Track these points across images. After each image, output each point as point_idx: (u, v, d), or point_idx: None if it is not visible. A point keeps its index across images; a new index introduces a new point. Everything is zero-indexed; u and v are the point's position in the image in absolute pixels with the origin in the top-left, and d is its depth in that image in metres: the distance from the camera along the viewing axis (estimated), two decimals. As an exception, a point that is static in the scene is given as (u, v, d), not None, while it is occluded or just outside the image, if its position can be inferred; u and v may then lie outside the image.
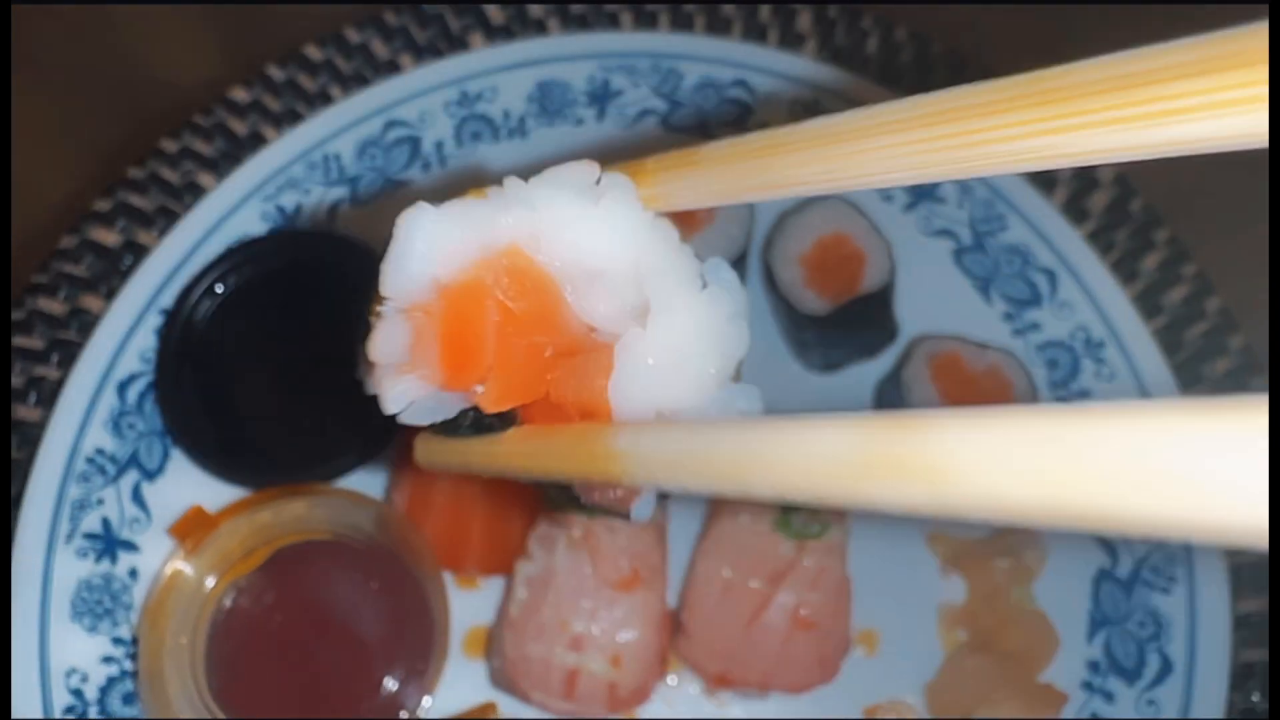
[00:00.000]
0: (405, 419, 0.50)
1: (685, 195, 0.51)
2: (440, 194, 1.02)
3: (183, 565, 0.84)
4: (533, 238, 0.48)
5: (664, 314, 0.47)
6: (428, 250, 0.48)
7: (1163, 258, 1.01)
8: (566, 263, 0.48)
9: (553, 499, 0.62)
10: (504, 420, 0.50)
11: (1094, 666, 0.88)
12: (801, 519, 0.83)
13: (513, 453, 0.50)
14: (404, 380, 0.49)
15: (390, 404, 0.50)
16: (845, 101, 1.05)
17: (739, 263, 0.94)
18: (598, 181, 0.50)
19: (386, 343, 0.49)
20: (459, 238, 0.48)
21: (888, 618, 0.90)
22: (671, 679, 0.87)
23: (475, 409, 0.50)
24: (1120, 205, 1.03)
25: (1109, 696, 0.87)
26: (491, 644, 0.86)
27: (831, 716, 0.87)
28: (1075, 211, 1.02)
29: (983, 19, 1.13)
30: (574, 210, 0.48)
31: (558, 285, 0.48)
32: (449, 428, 0.51)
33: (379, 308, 0.49)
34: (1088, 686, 0.88)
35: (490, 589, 0.91)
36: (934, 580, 0.92)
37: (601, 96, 1.05)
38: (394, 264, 0.48)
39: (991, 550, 0.91)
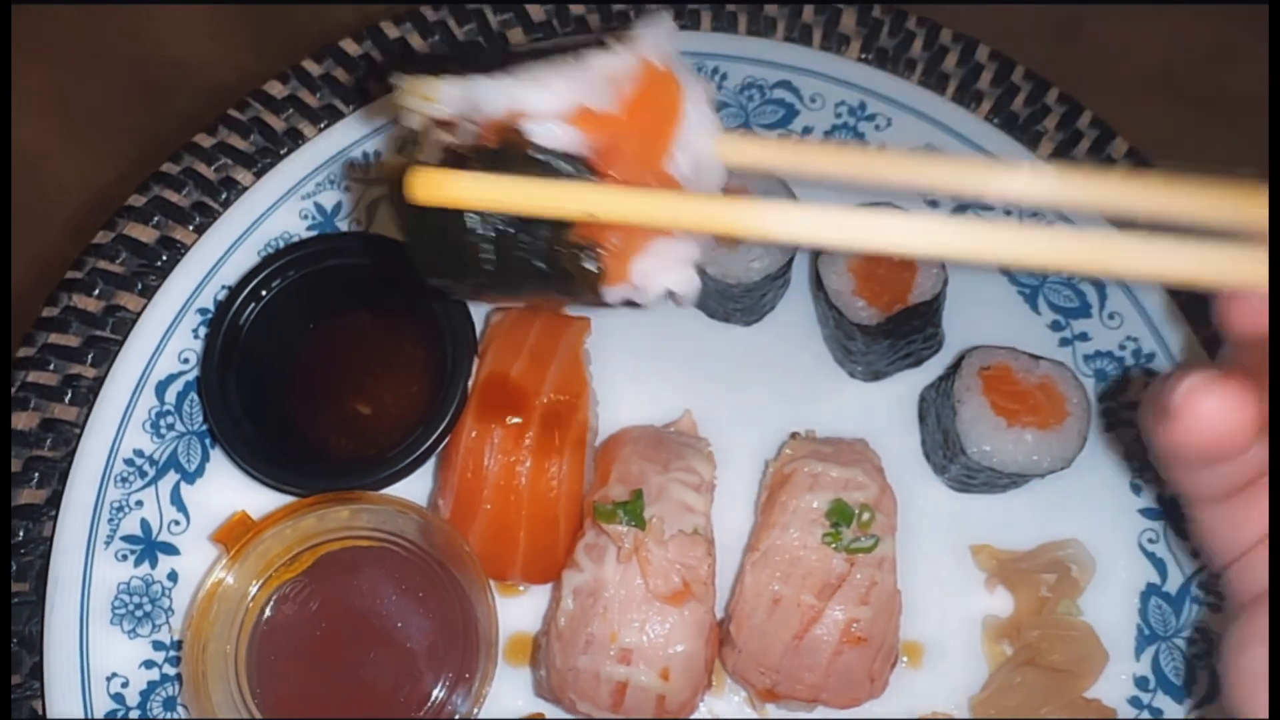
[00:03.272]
0: (539, 138, 0.64)
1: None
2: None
3: (226, 572, 0.83)
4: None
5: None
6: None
7: (1210, 268, 1.00)
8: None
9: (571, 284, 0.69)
10: (580, 166, 0.65)
11: (1142, 683, 0.88)
12: (852, 533, 0.82)
13: (578, 198, 0.63)
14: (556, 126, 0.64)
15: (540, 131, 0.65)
16: (890, 104, 1.04)
17: (785, 270, 0.93)
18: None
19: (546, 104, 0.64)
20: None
21: (932, 630, 0.90)
22: (717, 691, 0.87)
23: (581, 159, 0.65)
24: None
25: (1157, 713, 0.87)
26: (537, 654, 0.86)
27: (876, 729, 0.87)
28: (1122, 220, 1.01)
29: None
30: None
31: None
32: (551, 156, 0.64)
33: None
34: (1136, 703, 0.87)
35: (533, 596, 0.90)
36: (979, 593, 0.91)
37: (644, 96, 1.03)
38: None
39: (1038, 563, 0.90)
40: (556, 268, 0.67)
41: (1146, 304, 0.97)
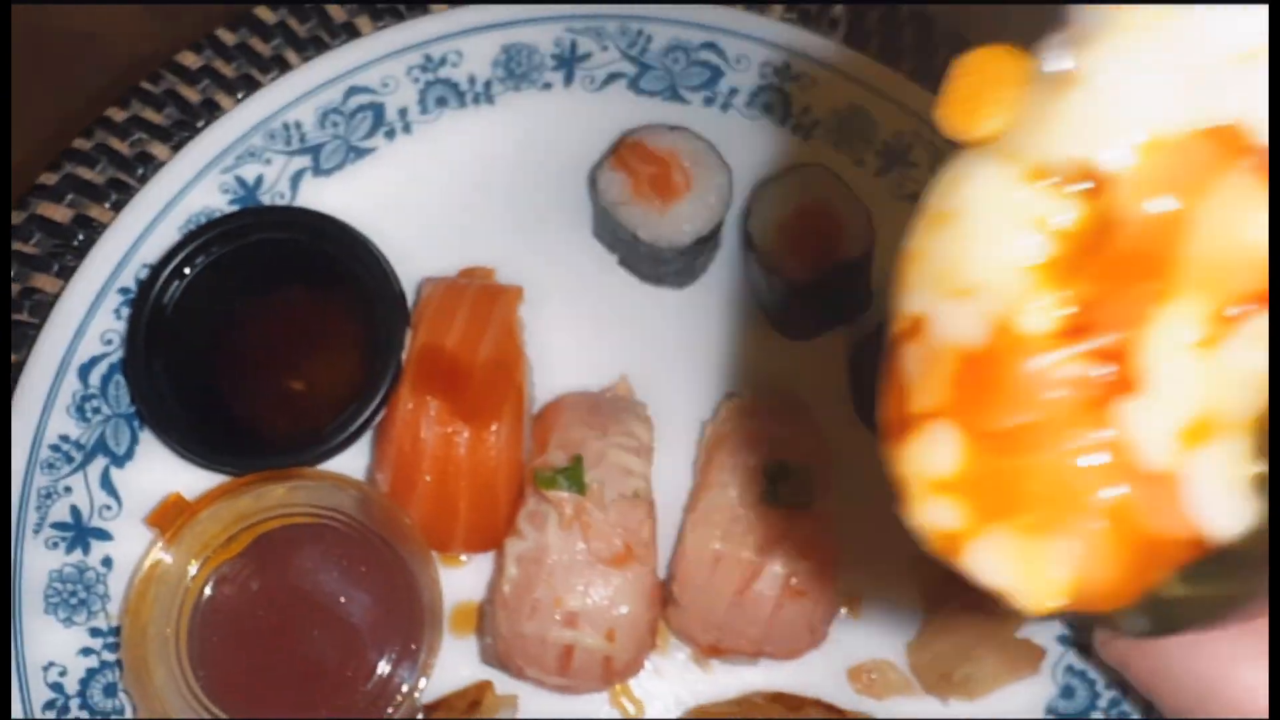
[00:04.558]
0: None
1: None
2: (407, 163, 1.00)
3: (163, 554, 0.83)
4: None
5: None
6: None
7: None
8: None
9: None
10: None
11: (1070, 620, 0.91)
12: (790, 489, 0.84)
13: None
14: None
15: None
16: (815, 64, 1.04)
17: (715, 232, 0.93)
18: None
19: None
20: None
21: (870, 581, 0.92)
22: (662, 650, 0.88)
23: None
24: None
25: (1084, 650, 0.90)
26: (483, 622, 0.86)
27: (818, 679, 0.89)
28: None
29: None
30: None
31: None
32: None
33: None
34: (1064, 640, 0.91)
35: (476, 564, 0.91)
36: (914, 543, 0.93)
37: (569, 60, 1.02)
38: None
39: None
40: None
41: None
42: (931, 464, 0.41)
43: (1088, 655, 0.91)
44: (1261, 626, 0.52)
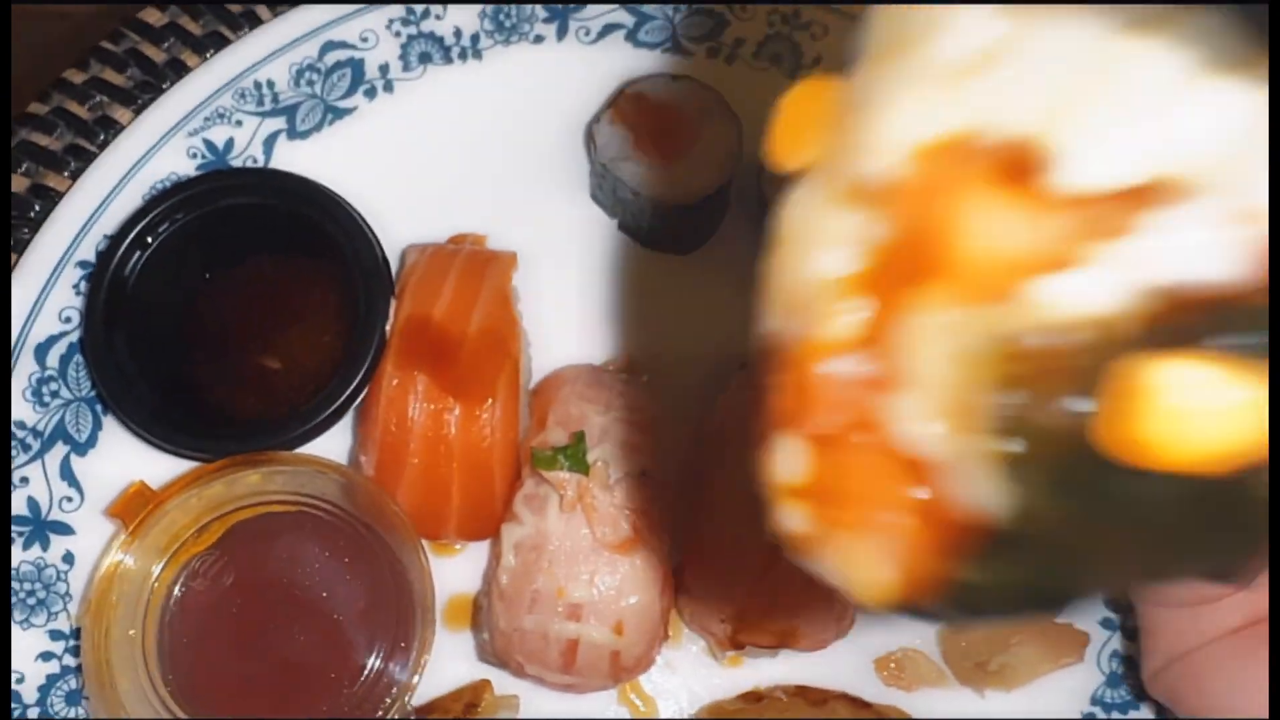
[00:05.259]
0: None
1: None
2: (390, 124, 0.94)
3: (126, 548, 0.76)
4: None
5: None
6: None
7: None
8: None
9: None
10: None
11: (1114, 603, 0.85)
12: (811, 465, 0.77)
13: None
14: None
15: None
16: (825, 10, 0.98)
17: (724, 191, 0.86)
18: None
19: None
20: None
21: (896, 563, 0.86)
22: (675, 642, 0.82)
23: None
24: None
25: (1131, 633, 0.84)
26: (479, 616, 0.80)
27: (842, 670, 0.83)
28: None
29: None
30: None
31: None
32: None
33: None
34: (1109, 624, 0.85)
35: (470, 554, 0.84)
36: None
37: (561, 10, 0.95)
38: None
39: (1001, 487, 0.87)
40: None
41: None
42: (784, 470, 0.43)
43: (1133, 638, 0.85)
44: None
